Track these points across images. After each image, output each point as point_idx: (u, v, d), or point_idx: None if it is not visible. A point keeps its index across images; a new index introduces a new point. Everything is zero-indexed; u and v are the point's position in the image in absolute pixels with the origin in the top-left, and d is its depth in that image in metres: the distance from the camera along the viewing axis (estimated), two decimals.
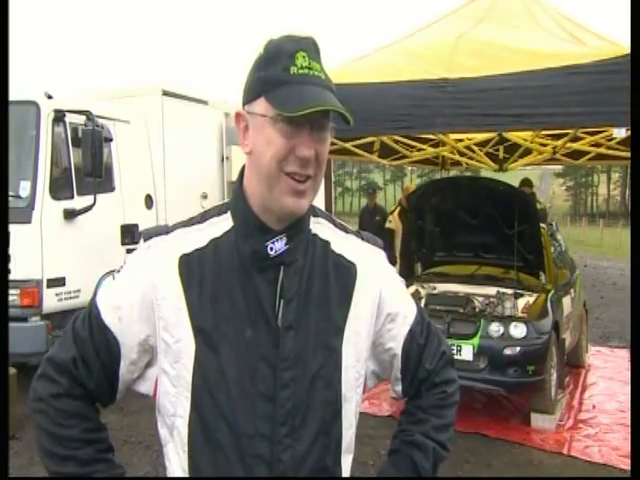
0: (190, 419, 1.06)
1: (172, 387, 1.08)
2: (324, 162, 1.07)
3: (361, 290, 1.15)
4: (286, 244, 1.08)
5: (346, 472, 1.16)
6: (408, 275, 6.12)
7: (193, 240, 1.10)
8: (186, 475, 1.08)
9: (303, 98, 0.99)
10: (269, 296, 1.07)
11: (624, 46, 3.57)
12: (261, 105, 1.03)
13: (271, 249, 1.07)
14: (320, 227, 1.17)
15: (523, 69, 3.75)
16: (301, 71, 1.01)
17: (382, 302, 1.18)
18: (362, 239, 1.22)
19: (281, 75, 1.01)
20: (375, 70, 4.38)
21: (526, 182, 7.83)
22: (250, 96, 1.06)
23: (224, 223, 1.12)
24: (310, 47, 1.04)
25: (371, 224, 8.76)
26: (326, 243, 1.16)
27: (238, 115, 1.09)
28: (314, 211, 1.17)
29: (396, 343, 1.21)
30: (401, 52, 4.57)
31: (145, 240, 1.12)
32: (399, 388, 1.26)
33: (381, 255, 1.24)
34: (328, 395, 1.10)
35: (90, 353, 1.10)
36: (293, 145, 1.02)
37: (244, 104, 1.08)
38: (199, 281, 1.07)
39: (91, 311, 1.12)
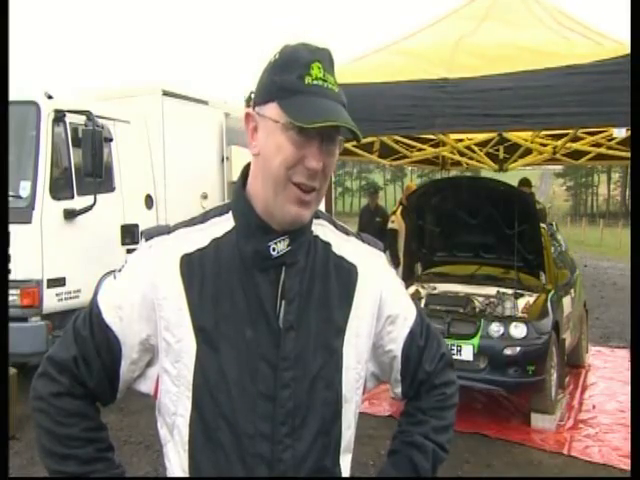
0: (191, 419, 1.06)
1: (173, 386, 1.08)
2: (329, 176, 1.08)
3: (362, 292, 1.15)
4: (288, 245, 1.09)
5: (345, 471, 1.16)
6: (411, 276, 6.11)
7: (194, 240, 1.10)
8: (186, 475, 1.08)
9: (317, 110, 0.99)
10: (270, 296, 1.07)
11: (625, 44, 3.56)
12: (273, 110, 1.03)
13: (273, 250, 1.08)
14: (321, 229, 1.18)
15: (523, 69, 3.75)
16: (315, 82, 1.02)
17: (382, 304, 1.18)
18: (363, 241, 1.23)
19: (296, 83, 1.01)
20: (375, 70, 4.38)
21: (525, 182, 7.80)
22: (262, 99, 1.06)
23: (225, 223, 1.12)
24: (325, 59, 1.04)
25: (371, 225, 8.69)
26: (327, 245, 1.16)
27: (248, 115, 1.09)
28: (315, 213, 1.17)
29: (396, 345, 1.21)
30: (402, 52, 4.57)
31: (146, 240, 1.12)
32: (399, 390, 1.26)
33: (381, 257, 1.24)
34: (328, 396, 1.10)
35: (91, 352, 1.10)
36: (302, 155, 1.02)
37: (255, 105, 1.08)
38: (200, 281, 1.07)
39: (92, 310, 1.12)
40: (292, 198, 1.04)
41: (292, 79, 1.02)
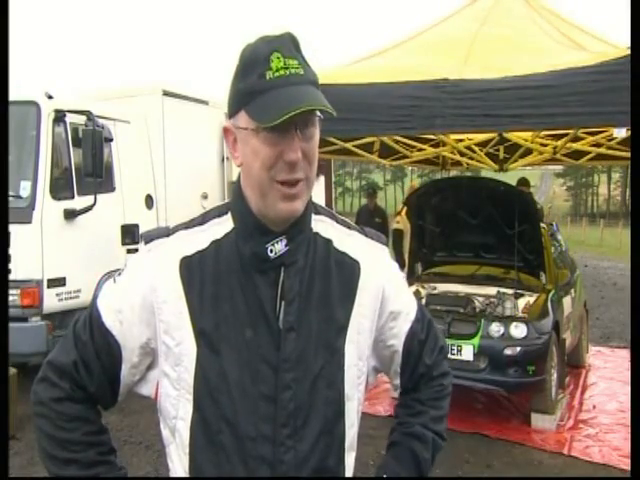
0: (192, 421, 1.06)
1: (173, 390, 1.08)
2: (314, 160, 1.06)
3: (365, 288, 1.15)
4: (286, 245, 1.08)
5: (349, 470, 1.16)
6: (411, 275, 6.10)
7: (194, 242, 1.10)
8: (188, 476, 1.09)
9: (279, 104, 0.97)
10: (270, 297, 1.07)
11: (625, 49, 3.56)
12: (243, 118, 1.03)
13: (271, 251, 1.07)
14: (322, 225, 1.17)
15: (523, 73, 3.75)
16: (277, 74, 1.00)
17: (385, 300, 1.18)
18: (365, 235, 1.22)
19: (257, 84, 1.00)
20: (376, 70, 4.37)
21: (523, 182, 7.78)
22: (233, 110, 1.06)
23: (225, 224, 1.12)
24: (285, 44, 1.02)
25: (369, 225, 8.65)
26: (328, 241, 1.16)
27: (226, 130, 1.10)
28: (315, 209, 1.17)
29: (398, 340, 1.22)
30: (403, 54, 4.57)
31: (146, 243, 1.12)
32: (397, 382, 1.28)
33: (384, 251, 1.24)
34: (330, 395, 1.10)
35: (91, 356, 1.10)
36: (280, 151, 1.01)
37: (229, 118, 1.08)
38: (200, 283, 1.07)
39: (92, 314, 1.12)
40: (279, 196, 1.04)
41: (253, 80, 1.01)
